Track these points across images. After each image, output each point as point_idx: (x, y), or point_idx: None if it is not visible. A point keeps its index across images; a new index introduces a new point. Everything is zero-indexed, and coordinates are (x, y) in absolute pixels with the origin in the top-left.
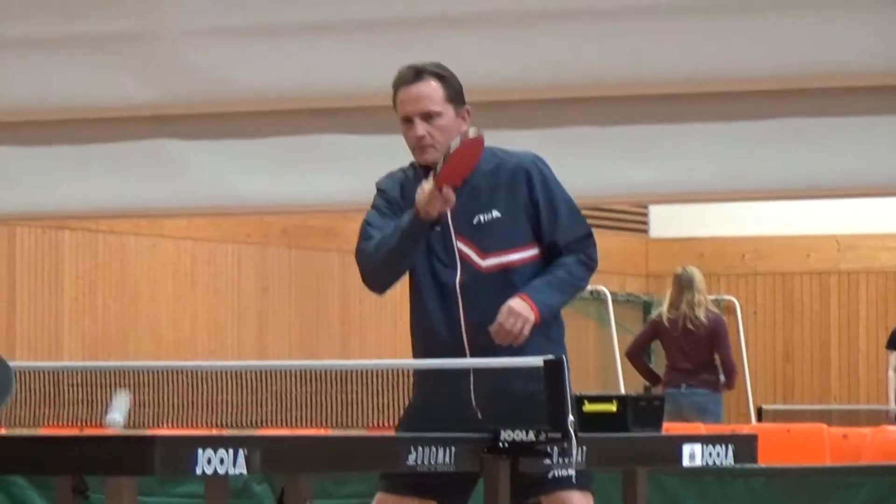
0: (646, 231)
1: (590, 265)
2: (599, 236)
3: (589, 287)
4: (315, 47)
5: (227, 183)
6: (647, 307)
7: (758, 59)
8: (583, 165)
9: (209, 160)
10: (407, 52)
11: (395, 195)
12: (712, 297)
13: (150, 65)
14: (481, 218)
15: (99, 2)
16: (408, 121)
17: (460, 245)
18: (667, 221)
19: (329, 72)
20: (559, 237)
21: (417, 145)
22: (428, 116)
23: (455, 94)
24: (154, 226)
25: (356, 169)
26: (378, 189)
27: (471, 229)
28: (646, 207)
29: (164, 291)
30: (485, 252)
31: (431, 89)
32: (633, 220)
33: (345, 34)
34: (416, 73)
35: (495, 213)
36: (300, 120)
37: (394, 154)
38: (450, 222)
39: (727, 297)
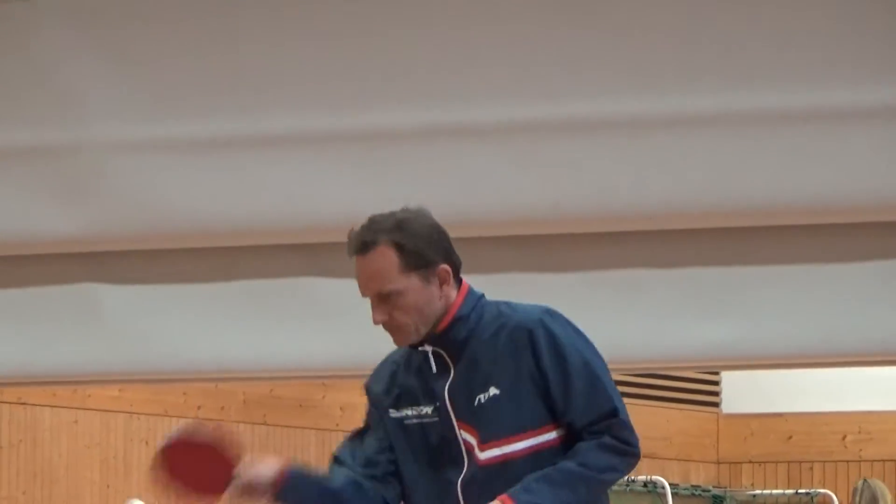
0: (717, 405)
1: (618, 449)
2: (658, 413)
3: (642, 477)
4: (284, 166)
5: (169, 341)
6: (717, 503)
7: (864, 181)
8: (635, 319)
9: (147, 311)
10: (404, 171)
11: (378, 390)
12: (803, 490)
13: (71, 188)
14: (481, 398)
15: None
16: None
17: (465, 434)
18: (744, 393)
19: (303, 197)
20: (575, 417)
21: (385, 330)
22: (385, 297)
23: (418, 257)
24: (76, 396)
25: (337, 324)
26: (365, 390)
27: (471, 413)
28: (717, 375)
29: (89, 478)
30: (483, 441)
31: (382, 263)
32: (702, 390)
33: (322, 148)
34: (362, 244)
35: (492, 391)
36: (265, 259)
37: None
38: (448, 407)
39: (822, 490)
